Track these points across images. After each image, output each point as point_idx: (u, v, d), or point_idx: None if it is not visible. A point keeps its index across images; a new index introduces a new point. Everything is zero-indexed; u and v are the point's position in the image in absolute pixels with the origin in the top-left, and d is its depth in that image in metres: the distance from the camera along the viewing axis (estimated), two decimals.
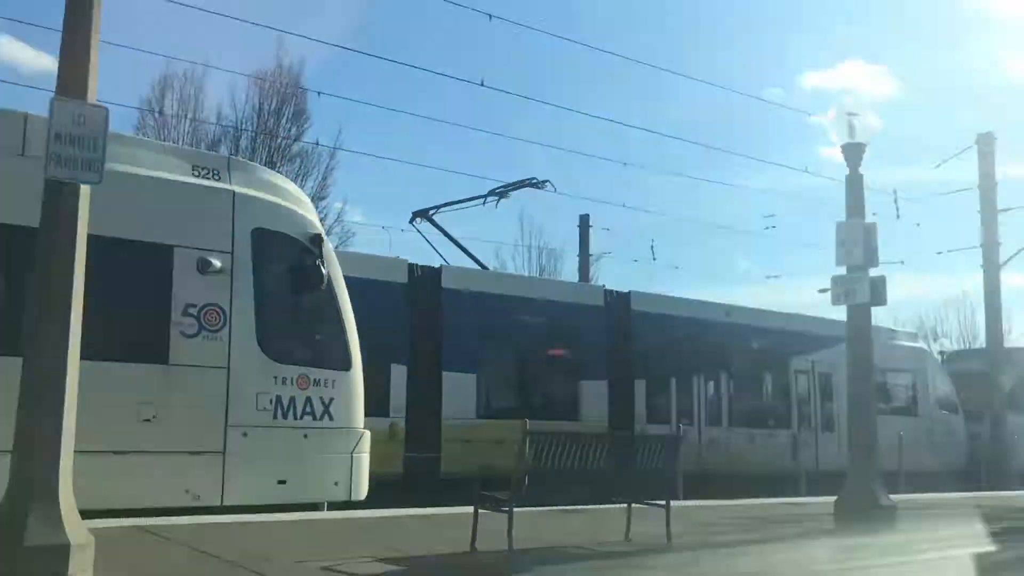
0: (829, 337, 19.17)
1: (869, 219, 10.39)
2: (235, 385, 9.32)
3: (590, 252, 30.85)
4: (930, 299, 61.06)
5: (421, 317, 14.58)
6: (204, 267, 9.26)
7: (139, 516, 8.11)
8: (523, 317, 15.52)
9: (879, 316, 17.01)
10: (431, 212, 16.58)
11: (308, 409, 9.81)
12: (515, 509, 7.34)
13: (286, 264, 10.10)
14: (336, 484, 9.91)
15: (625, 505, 8.36)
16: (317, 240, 10.03)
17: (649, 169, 59.63)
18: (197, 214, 9.48)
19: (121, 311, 8.67)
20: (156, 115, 23.49)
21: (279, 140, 24.16)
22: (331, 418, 9.89)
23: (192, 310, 9.20)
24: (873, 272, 10.17)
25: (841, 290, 10.16)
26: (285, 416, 9.62)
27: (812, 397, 20.33)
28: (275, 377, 9.57)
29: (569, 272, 33.28)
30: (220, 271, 9.34)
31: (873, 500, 9.55)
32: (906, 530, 9.52)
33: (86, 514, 5.80)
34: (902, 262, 33.69)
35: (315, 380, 9.85)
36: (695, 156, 69.87)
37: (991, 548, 8.79)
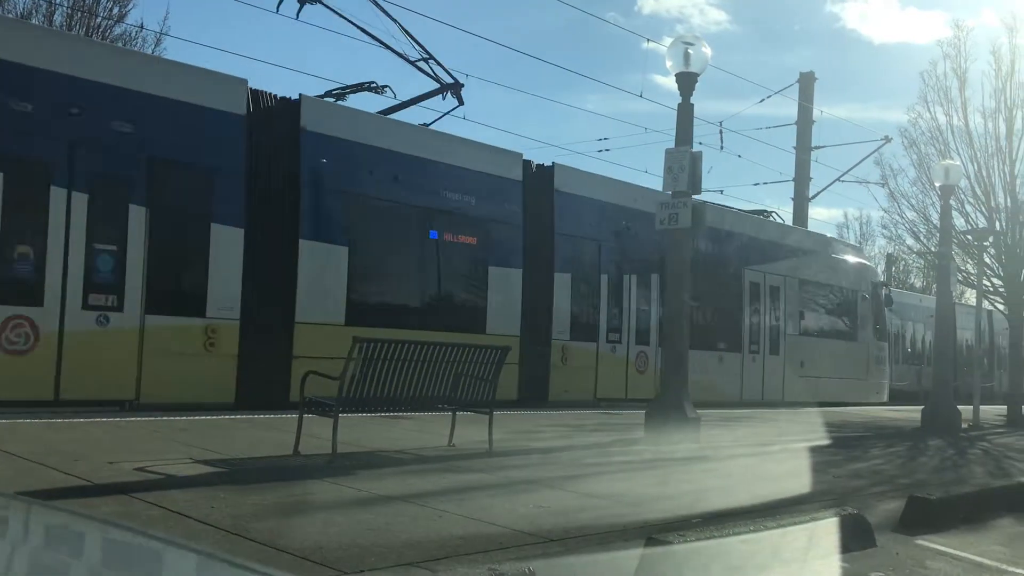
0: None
1: (696, 148, 10.81)
2: (868, 351, 22.95)
3: None
4: None
5: None
6: (862, 299, 22.66)
7: None
8: None
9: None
10: None
11: (880, 360, 23.63)
12: (340, 414, 7.40)
13: (875, 295, 23.35)
14: (879, 395, 23.45)
15: (450, 412, 8.59)
16: (882, 282, 25.09)
17: (489, 83, 59.44)
18: (861, 275, 23.30)
19: (849, 322, 22.90)
20: None
21: (99, 19, 22.39)
22: (883, 364, 23.90)
23: (859, 319, 22.81)
24: (696, 199, 10.64)
25: (666, 214, 10.58)
26: (878, 365, 23.46)
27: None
28: (877, 347, 23.53)
29: None
30: (867, 300, 22.96)
31: (681, 413, 10.19)
32: (708, 437, 10.26)
33: None
34: (722, 191, 35.18)
35: (880, 347, 23.82)
36: (535, 73, 70.22)
37: (777, 448, 9.66)
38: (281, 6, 14.00)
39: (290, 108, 12.40)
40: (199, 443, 7.76)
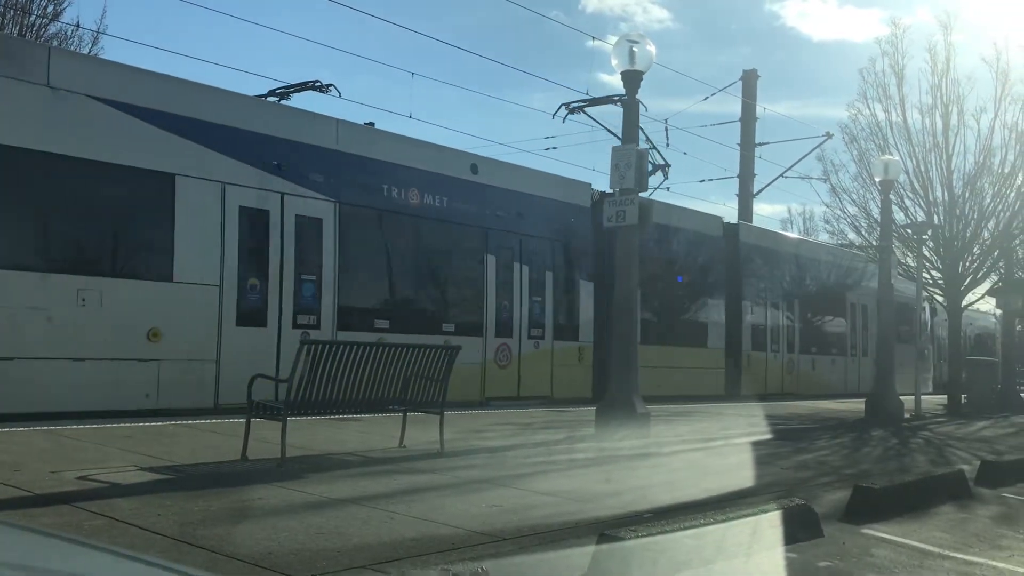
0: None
1: (642, 146, 10.89)
2: (919, 351, 21.41)
3: None
4: None
5: None
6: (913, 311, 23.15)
7: None
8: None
9: None
10: None
11: (926, 358, 23.10)
12: (289, 417, 7.31)
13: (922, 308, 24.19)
14: (926, 385, 22.90)
15: (401, 414, 8.54)
16: (928, 297, 23.22)
17: (437, 81, 59.29)
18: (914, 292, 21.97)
19: (909, 329, 22.46)
20: None
21: (32, 18, 21.83)
22: (928, 360, 23.68)
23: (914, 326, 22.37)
24: (642, 196, 10.72)
25: (613, 212, 10.65)
26: (925, 361, 22.32)
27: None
28: (925, 347, 22.89)
29: None
30: (916, 311, 21.73)
31: (631, 408, 10.26)
32: (657, 433, 10.35)
33: None
34: (668, 188, 35.47)
35: (927, 347, 24.50)
36: (481, 72, 70.09)
37: (725, 442, 9.78)
38: (555, 115, 18.90)
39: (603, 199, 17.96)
40: (144, 450, 7.62)
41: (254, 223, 12.03)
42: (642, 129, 20.54)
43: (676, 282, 19.56)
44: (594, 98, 18.93)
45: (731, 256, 20.80)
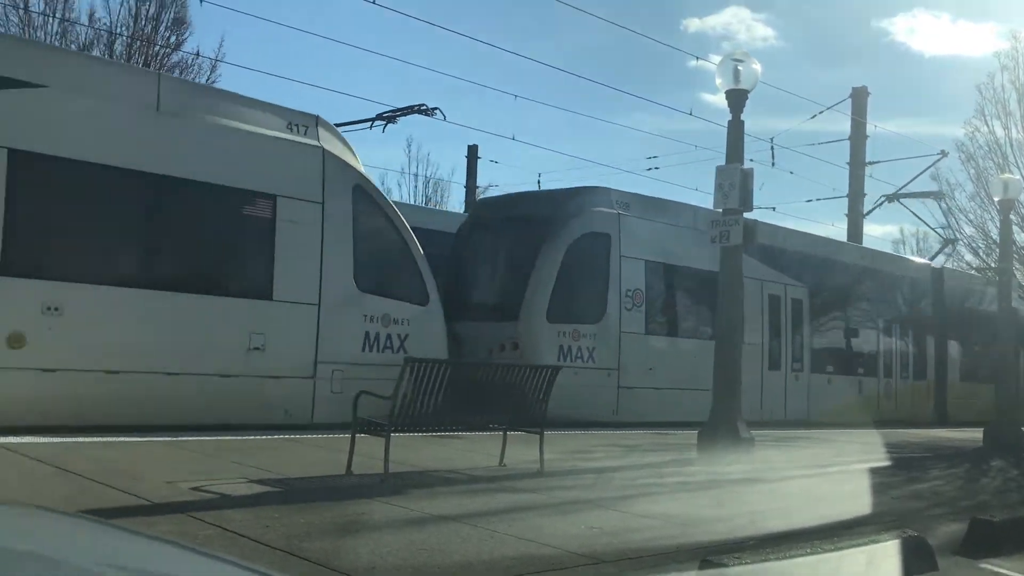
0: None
1: (747, 165, 10.71)
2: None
3: (477, 184, 30.93)
4: None
5: None
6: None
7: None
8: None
9: None
10: None
11: None
12: (392, 433, 7.44)
13: None
14: None
15: (502, 432, 8.59)
16: None
17: (539, 103, 59.72)
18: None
19: None
20: (20, 11, 21.91)
21: (157, 48, 22.96)
22: None
23: None
24: (747, 216, 10.54)
25: (717, 232, 10.49)
26: None
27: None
28: None
29: (456, 202, 33.31)
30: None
31: (734, 433, 10.06)
32: (763, 458, 10.11)
33: None
34: (774, 208, 34.92)
35: None
36: (583, 93, 70.19)
37: (834, 469, 9.48)
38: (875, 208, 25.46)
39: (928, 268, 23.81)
40: (253, 463, 7.85)
41: (774, 305, 18.32)
42: (943, 207, 25.03)
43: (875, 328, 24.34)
44: (911, 192, 25.75)
45: (937, 299, 24.74)
